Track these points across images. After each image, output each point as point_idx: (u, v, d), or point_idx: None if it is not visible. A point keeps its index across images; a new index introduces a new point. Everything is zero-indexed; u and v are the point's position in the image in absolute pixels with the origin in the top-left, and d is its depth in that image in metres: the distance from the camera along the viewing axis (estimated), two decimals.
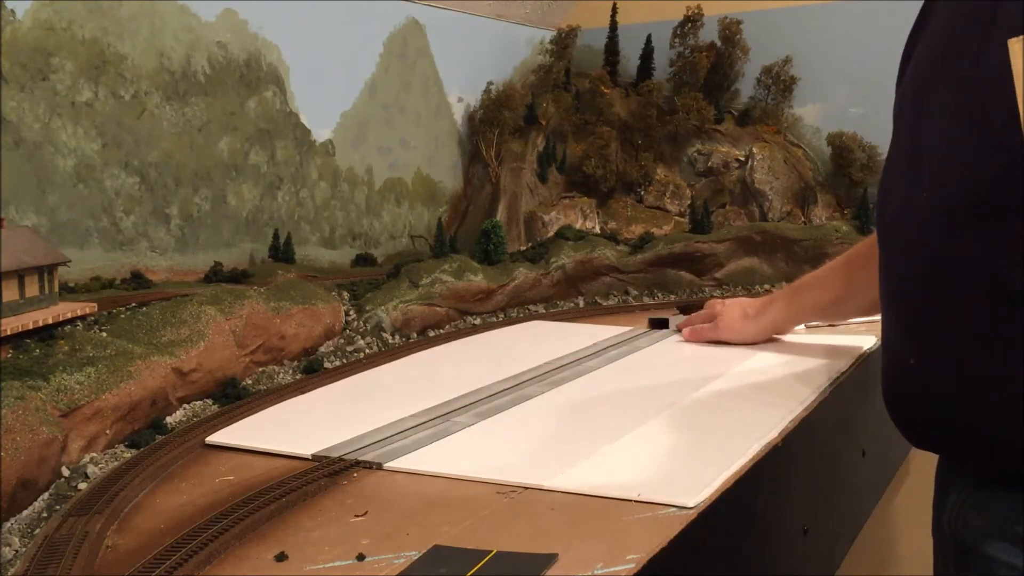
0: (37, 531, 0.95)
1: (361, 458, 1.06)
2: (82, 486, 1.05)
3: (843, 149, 2.46)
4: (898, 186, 0.93)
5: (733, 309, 1.62)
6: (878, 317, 1.08)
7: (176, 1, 1.70)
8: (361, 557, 0.81)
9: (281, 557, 0.82)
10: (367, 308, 1.75)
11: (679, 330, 1.72)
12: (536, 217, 2.41)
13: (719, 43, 2.60)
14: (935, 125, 0.88)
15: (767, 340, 1.61)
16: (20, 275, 1.23)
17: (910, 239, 0.89)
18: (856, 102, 2.53)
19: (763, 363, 1.48)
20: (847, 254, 1.47)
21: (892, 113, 0.98)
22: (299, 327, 1.57)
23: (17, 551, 0.90)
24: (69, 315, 1.29)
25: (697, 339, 1.64)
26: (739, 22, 2.58)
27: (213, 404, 1.35)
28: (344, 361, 1.60)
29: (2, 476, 0.95)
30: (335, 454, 1.08)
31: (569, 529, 0.86)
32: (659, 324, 1.80)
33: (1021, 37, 0.71)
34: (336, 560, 0.82)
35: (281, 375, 1.51)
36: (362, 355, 1.63)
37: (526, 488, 0.96)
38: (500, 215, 2.39)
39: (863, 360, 1.49)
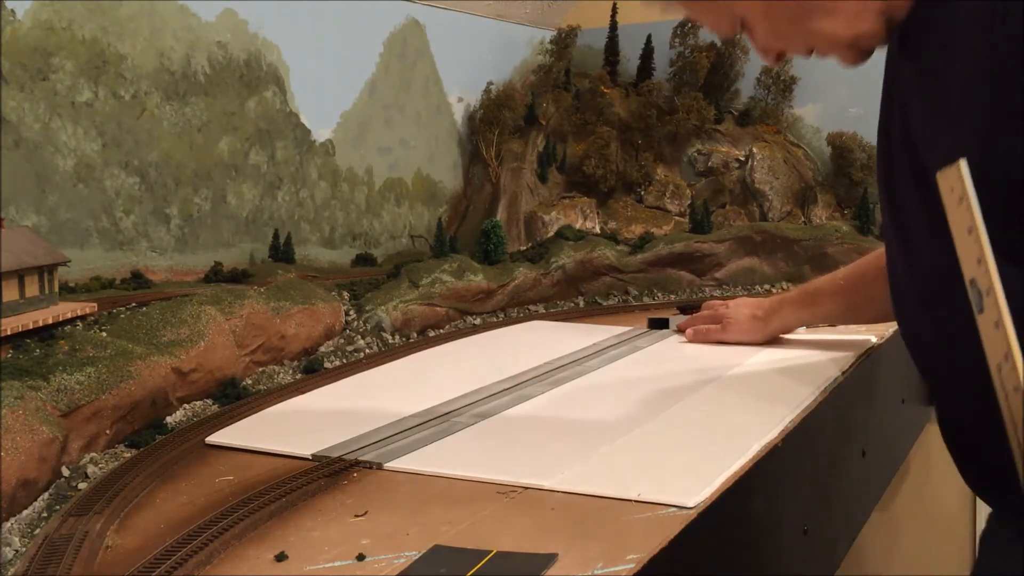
0: (37, 531, 0.95)
1: (361, 458, 1.06)
2: (82, 486, 1.05)
3: (843, 149, 2.46)
4: (895, 258, 0.99)
5: (741, 310, 1.62)
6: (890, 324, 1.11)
7: (176, 1, 1.70)
8: (361, 557, 0.81)
9: (281, 557, 0.82)
10: (367, 308, 1.75)
11: (679, 330, 1.71)
12: (536, 217, 2.41)
13: (719, 43, 2.60)
14: (908, 210, 0.94)
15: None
16: (20, 275, 1.23)
17: (929, 309, 0.92)
18: (856, 102, 2.53)
19: (763, 363, 1.48)
20: (863, 265, 1.46)
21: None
22: (299, 327, 1.57)
23: (17, 551, 0.90)
24: (69, 315, 1.29)
25: (703, 340, 1.64)
26: None
27: (213, 404, 1.35)
28: (344, 361, 1.60)
29: (2, 476, 0.95)
30: (335, 454, 1.08)
31: (569, 529, 0.86)
32: (659, 324, 1.80)
33: (944, 170, 0.68)
34: (336, 560, 0.82)
35: (281, 375, 1.51)
36: (362, 355, 1.63)
37: (526, 488, 0.96)
38: (500, 215, 2.39)
39: (864, 359, 1.49)
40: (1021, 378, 0.62)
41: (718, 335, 1.62)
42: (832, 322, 1.58)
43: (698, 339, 1.65)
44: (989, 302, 0.64)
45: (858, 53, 0.98)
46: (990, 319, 0.64)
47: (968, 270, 0.67)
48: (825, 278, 1.54)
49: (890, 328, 1.61)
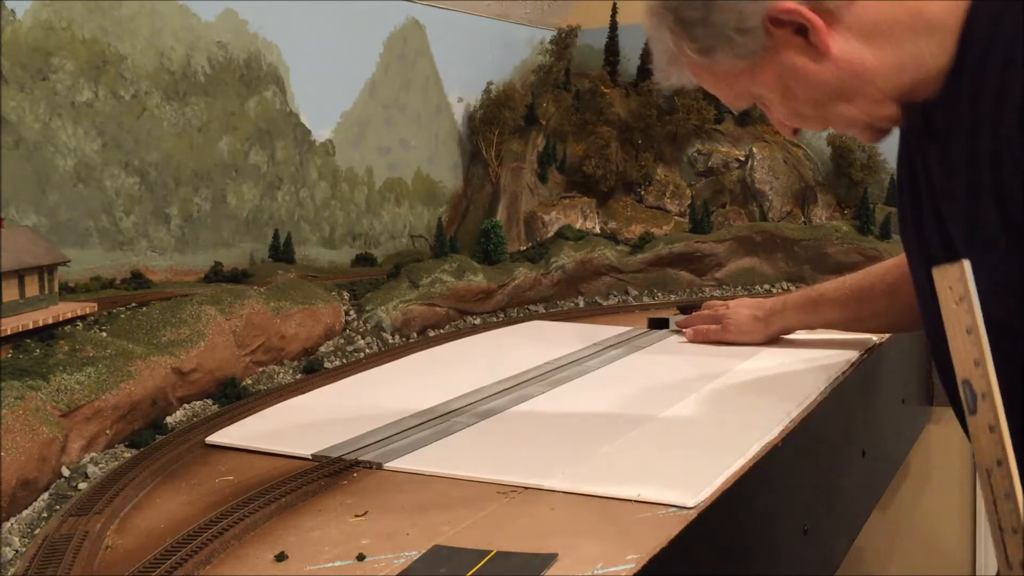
0: (37, 531, 0.95)
1: (361, 458, 1.06)
2: (82, 486, 1.05)
3: (843, 149, 2.46)
4: (912, 255, 1.01)
5: (741, 311, 1.62)
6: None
7: (176, 1, 1.70)
8: (361, 557, 0.81)
9: (281, 557, 0.82)
10: (367, 308, 1.75)
11: (679, 330, 1.71)
12: (536, 217, 2.41)
13: None
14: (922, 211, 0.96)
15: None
16: (20, 275, 1.23)
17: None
18: None
19: (763, 363, 1.48)
20: (871, 277, 1.45)
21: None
22: (299, 327, 1.57)
23: (17, 551, 0.90)
24: (69, 315, 1.28)
25: (703, 340, 1.64)
26: None
27: (213, 404, 1.35)
28: (344, 361, 1.60)
29: (2, 476, 0.95)
30: (335, 454, 1.08)
31: (569, 529, 0.86)
32: (658, 324, 1.80)
33: (943, 267, 0.67)
34: (336, 560, 0.82)
35: (281, 375, 1.51)
36: (362, 355, 1.63)
37: (526, 488, 0.96)
38: (500, 215, 2.39)
39: (864, 359, 1.49)
40: (1016, 487, 0.60)
41: (718, 335, 1.62)
42: (834, 328, 1.57)
43: (698, 339, 1.65)
44: (985, 406, 0.62)
45: (876, 132, 1.00)
46: (983, 422, 0.63)
47: (962, 370, 0.65)
48: (831, 284, 1.53)
49: None
